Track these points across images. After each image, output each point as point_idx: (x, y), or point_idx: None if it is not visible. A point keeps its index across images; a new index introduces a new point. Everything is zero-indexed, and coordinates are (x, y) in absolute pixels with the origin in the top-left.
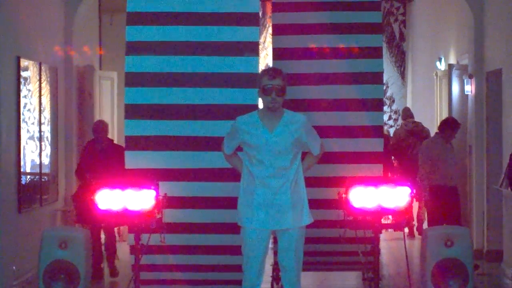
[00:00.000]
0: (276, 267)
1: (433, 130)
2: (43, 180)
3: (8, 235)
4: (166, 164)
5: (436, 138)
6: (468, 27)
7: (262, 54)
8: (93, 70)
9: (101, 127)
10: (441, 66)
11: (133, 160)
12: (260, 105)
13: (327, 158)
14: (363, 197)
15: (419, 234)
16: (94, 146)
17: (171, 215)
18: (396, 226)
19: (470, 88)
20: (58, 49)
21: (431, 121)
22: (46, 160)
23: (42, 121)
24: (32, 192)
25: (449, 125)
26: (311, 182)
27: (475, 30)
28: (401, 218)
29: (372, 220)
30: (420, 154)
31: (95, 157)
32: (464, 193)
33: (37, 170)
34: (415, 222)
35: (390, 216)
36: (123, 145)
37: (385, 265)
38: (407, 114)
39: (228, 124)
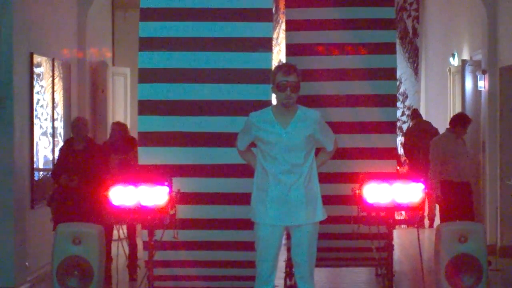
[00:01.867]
0: (289, 263)
1: (446, 127)
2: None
3: (21, 231)
4: (180, 160)
5: (447, 134)
6: (481, 22)
7: (275, 50)
8: (106, 66)
9: (81, 124)
10: (455, 61)
11: (147, 156)
12: (274, 101)
13: (341, 154)
14: (377, 193)
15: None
16: (73, 145)
17: (184, 211)
18: (410, 222)
19: (483, 84)
20: (71, 45)
21: (444, 117)
22: None
23: (55, 117)
24: (45, 188)
25: (459, 121)
26: (324, 178)
27: (488, 26)
28: (415, 214)
29: (386, 216)
30: (431, 150)
31: (74, 157)
32: (477, 188)
33: (50, 166)
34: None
35: (403, 212)
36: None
37: (398, 261)
38: (417, 114)
39: (242, 120)
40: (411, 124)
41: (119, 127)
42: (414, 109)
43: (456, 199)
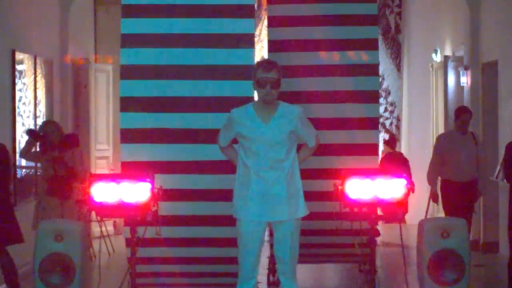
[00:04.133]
0: (272, 259)
1: (429, 124)
2: (38, 173)
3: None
4: (162, 156)
5: (451, 130)
6: (464, 18)
7: (257, 46)
8: (88, 63)
9: None
10: (437, 57)
11: (129, 152)
12: (256, 97)
13: (323, 150)
14: (359, 189)
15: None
16: None
17: (166, 208)
18: (392, 218)
19: (465, 80)
20: (53, 42)
21: (427, 113)
22: None
23: (38, 114)
24: (27, 186)
25: (455, 113)
26: (306, 174)
27: (471, 22)
28: (397, 210)
29: (368, 212)
30: (434, 147)
31: None
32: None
33: (32, 164)
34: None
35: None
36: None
37: (381, 257)
38: (391, 142)
39: (224, 117)
40: (384, 148)
41: (54, 126)
42: (392, 136)
43: (455, 200)
